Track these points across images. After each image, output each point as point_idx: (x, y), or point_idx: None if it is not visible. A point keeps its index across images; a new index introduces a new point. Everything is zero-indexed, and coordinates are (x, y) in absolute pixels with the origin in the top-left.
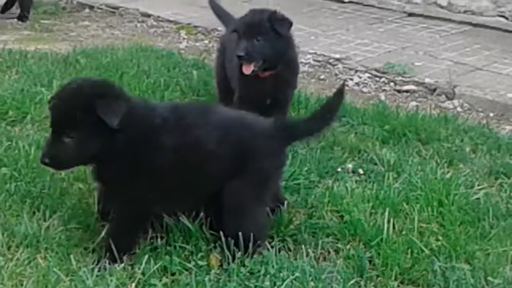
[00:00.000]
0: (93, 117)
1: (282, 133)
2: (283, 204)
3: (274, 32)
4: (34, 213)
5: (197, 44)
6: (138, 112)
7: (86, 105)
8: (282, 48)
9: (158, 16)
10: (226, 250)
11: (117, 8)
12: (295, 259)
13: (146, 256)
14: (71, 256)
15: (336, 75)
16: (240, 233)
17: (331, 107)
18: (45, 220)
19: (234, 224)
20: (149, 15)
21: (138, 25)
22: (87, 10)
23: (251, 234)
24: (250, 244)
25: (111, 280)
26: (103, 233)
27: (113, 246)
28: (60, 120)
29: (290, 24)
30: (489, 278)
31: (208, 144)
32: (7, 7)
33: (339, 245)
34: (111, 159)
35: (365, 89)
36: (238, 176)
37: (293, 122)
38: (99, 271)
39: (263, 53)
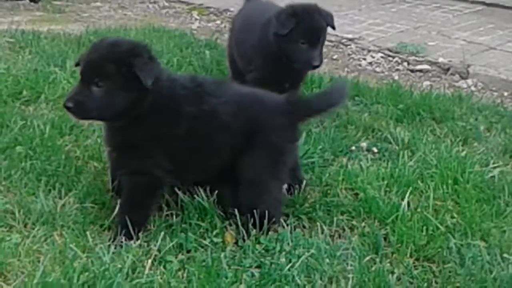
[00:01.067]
0: (127, 72)
1: (294, 108)
2: (301, 182)
3: None
4: (49, 191)
5: (209, 24)
6: (163, 79)
7: (122, 60)
8: None
9: None
10: (241, 227)
11: None
12: (310, 236)
13: (162, 233)
14: (87, 233)
15: (349, 55)
16: (255, 209)
17: (342, 84)
18: (60, 198)
19: (249, 199)
20: None
21: (150, 6)
22: None
23: (266, 210)
24: (265, 221)
25: (127, 257)
26: (116, 210)
27: (128, 222)
28: (92, 68)
29: None
30: (505, 255)
31: (223, 114)
32: None
33: (354, 222)
34: (131, 121)
35: (378, 69)
36: (250, 149)
37: (305, 98)
38: (115, 248)
39: None
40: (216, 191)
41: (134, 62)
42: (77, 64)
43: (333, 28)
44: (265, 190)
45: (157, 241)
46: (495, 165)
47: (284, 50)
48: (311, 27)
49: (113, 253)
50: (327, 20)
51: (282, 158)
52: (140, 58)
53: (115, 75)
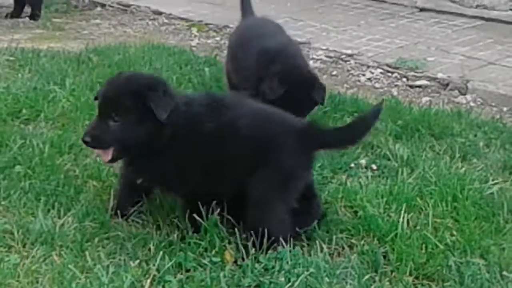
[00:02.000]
0: (142, 106)
1: (312, 137)
2: (320, 217)
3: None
4: (48, 210)
5: (209, 41)
6: (180, 107)
7: (137, 94)
8: None
9: (170, 14)
10: (241, 246)
11: (128, 6)
12: (310, 255)
13: (161, 253)
14: (86, 253)
15: (348, 70)
16: (257, 228)
17: (366, 122)
18: (59, 218)
19: (254, 217)
20: (160, 13)
21: (150, 22)
22: (98, 8)
23: (269, 230)
24: (265, 240)
25: (126, 277)
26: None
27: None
28: (109, 103)
29: None
30: (504, 272)
31: (241, 128)
32: (17, 13)
33: (353, 240)
34: (157, 151)
35: (377, 85)
36: (262, 168)
37: (327, 129)
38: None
39: None
40: (217, 211)
41: (149, 96)
42: (95, 98)
43: (322, 104)
44: (271, 210)
45: (156, 261)
46: (494, 181)
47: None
48: (297, 100)
49: (112, 273)
50: (317, 97)
51: (293, 182)
52: (155, 92)
53: (131, 109)
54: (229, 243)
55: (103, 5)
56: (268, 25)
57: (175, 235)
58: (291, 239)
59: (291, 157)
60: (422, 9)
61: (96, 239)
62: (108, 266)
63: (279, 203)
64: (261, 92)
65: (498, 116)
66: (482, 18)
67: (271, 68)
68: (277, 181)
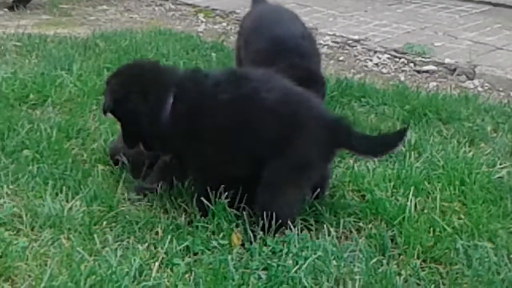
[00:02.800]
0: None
1: (339, 132)
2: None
3: None
4: (57, 194)
5: (216, 26)
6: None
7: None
8: None
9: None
10: (248, 229)
11: None
12: (317, 238)
13: (169, 236)
14: (94, 236)
15: (355, 56)
16: (266, 210)
17: (393, 140)
18: (67, 201)
19: (264, 199)
20: None
21: (156, 8)
22: None
23: (277, 213)
24: (273, 223)
25: (135, 260)
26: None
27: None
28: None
29: None
30: None
31: (267, 99)
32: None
33: (360, 224)
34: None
35: (384, 70)
36: (280, 150)
37: (353, 130)
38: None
39: None
40: (225, 194)
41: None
42: None
43: None
44: (282, 194)
45: (164, 244)
46: (502, 165)
47: None
48: None
49: (120, 256)
50: None
51: (309, 171)
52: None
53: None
54: (237, 226)
55: None
56: (283, 12)
57: (183, 219)
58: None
59: (313, 145)
60: None
61: (104, 223)
62: (116, 249)
63: (292, 188)
64: None
65: (505, 101)
66: (490, 3)
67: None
68: (293, 166)
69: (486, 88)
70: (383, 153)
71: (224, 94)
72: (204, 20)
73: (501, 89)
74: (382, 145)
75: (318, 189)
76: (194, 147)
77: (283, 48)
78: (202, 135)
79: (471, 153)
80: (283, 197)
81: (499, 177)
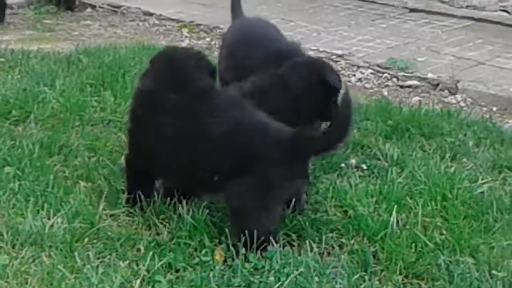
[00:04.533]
0: None
1: (299, 146)
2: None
3: None
4: (38, 211)
5: (200, 42)
6: None
7: None
8: None
9: (160, 15)
10: (231, 246)
11: (119, 7)
12: (300, 254)
13: (151, 253)
14: (76, 253)
15: (338, 71)
16: (242, 233)
17: (343, 118)
18: (49, 218)
19: (236, 224)
20: (151, 14)
21: (140, 23)
22: (89, 10)
23: (254, 233)
24: (253, 244)
25: (116, 277)
26: None
27: None
28: None
29: None
30: (493, 271)
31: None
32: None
33: (343, 240)
34: None
35: (367, 85)
36: (242, 174)
37: (313, 135)
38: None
39: None
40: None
41: None
42: None
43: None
44: (252, 218)
45: (146, 261)
46: (484, 180)
47: None
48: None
49: (102, 273)
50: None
51: (275, 191)
52: None
53: None
54: (220, 242)
55: (93, 6)
56: (266, 25)
57: (165, 235)
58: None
59: (271, 167)
60: (412, 10)
61: (86, 239)
62: (97, 266)
63: (260, 211)
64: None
65: (487, 116)
66: (472, 19)
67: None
68: (255, 190)
69: (468, 103)
70: (347, 131)
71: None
72: (188, 35)
73: (483, 104)
74: (341, 126)
75: (294, 202)
76: None
77: (278, 58)
78: None
79: (453, 168)
80: (253, 221)
81: (480, 192)
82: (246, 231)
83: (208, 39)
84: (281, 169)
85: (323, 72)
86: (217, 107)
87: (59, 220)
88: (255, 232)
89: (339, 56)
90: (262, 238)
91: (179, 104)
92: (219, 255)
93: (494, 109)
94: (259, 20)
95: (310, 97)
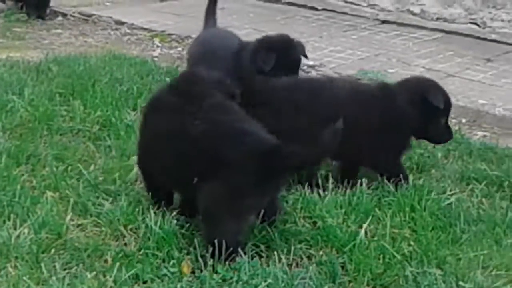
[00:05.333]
0: None
1: (275, 159)
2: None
3: None
4: (4, 221)
5: (171, 51)
6: None
7: None
8: None
9: (132, 24)
10: (199, 257)
11: (90, 15)
12: (268, 265)
13: (118, 264)
14: (42, 264)
15: None
16: (211, 240)
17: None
18: (15, 229)
19: (207, 229)
20: (122, 23)
21: (112, 33)
22: (60, 18)
23: (222, 242)
24: (221, 251)
25: None
26: None
27: None
28: None
29: None
30: (460, 282)
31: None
32: None
33: (311, 251)
34: None
35: None
36: (212, 180)
37: (293, 151)
38: None
39: None
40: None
41: None
42: None
43: (306, 57)
44: (221, 225)
45: (112, 272)
46: (452, 192)
47: None
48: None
49: (68, 284)
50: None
51: (246, 200)
52: None
53: None
54: (188, 253)
55: (64, 15)
56: (231, 36)
57: (132, 246)
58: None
59: (242, 175)
60: (383, 21)
61: (52, 250)
62: (64, 277)
63: (229, 219)
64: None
65: (457, 128)
66: (442, 31)
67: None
68: (225, 197)
69: None
70: (322, 156)
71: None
72: (159, 44)
73: (452, 116)
74: (317, 149)
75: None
76: None
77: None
78: None
79: (422, 180)
80: (223, 227)
81: (448, 204)
82: (215, 240)
83: (179, 48)
84: (252, 179)
85: (426, 90)
86: (202, 110)
87: (26, 230)
88: (224, 241)
89: (310, 66)
90: (231, 248)
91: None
92: (186, 267)
93: (463, 120)
94: (222, 31)
95: (411, 113)
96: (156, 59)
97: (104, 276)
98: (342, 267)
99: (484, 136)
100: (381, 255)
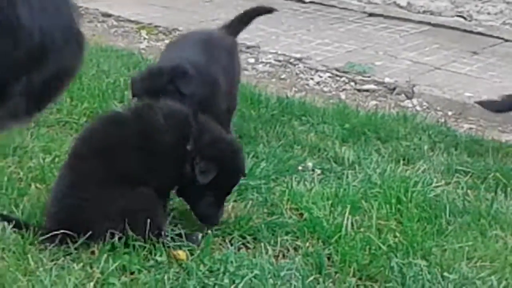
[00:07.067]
0: None
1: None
2: None
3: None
4: None
5: (158, 44)
6: None
7: None
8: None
9: (119, 16)
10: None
11: None
12: (255, 256)
13: (105, 255)
14: (29, 255)
15: (297, 74)
16: None
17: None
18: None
19: None
20: (109, 15)
21: (99, 25)
22: None
23: None
24: None
25: (69, 280)
26: None
27: None
28: None
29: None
30: (445, 273)
31: None
32: None
33: (298, 242)
34: None
35: (325, 89)
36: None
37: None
38: None
39: None
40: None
41: None
42: None
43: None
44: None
45: (100, 263)
46: (438, 184)
47: None
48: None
49: (55, 276)
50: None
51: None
52: None
53: None
54: (174, 242)
55: None
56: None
57: (118, 238)
58: None
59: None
60: (370, 14)
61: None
62: (51, 269)
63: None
64: None
65: (442, 120)
66: (429, 24)
67: None
68: None
69: (424, 107)
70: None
71: None
72: (146, 37)
73: (438, 108)
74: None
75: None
76: None
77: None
78: None
79: (408, 171)
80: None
81: (434, 196)
82: None
83: (166, 41)
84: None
85: None
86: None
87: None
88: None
89: (298, 59)
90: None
91: None
92: (181, 252)
93: (449, 113)
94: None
95: None
96: (143, 51)
97: (91, 267)
98: (328, 258)
99: (470, 128)
100: (367, 247)
